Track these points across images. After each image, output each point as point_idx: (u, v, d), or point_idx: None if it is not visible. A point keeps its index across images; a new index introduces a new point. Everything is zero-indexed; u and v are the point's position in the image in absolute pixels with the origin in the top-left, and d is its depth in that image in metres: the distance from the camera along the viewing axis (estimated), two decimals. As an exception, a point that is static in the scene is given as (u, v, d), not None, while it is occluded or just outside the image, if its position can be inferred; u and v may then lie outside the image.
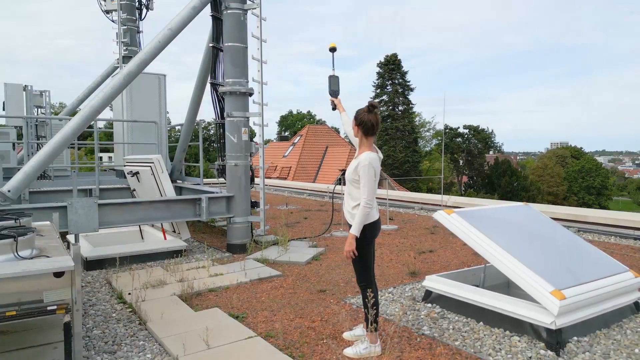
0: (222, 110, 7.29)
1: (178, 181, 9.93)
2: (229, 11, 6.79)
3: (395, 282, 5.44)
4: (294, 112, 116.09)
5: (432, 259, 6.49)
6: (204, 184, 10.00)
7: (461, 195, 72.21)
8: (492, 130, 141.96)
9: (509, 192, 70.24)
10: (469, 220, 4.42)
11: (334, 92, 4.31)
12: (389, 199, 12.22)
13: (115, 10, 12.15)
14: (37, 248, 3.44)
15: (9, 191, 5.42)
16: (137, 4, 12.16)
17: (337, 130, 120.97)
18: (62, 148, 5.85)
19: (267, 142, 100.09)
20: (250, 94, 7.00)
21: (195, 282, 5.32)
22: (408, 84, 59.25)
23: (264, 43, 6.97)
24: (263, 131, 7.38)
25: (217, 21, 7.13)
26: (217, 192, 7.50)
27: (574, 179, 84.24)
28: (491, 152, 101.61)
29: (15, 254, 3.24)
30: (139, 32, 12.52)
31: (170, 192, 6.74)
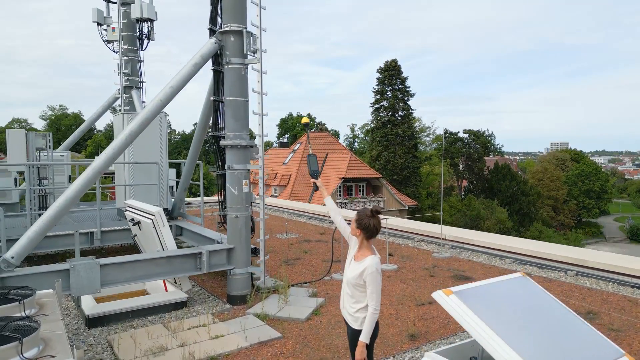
0: (223, 161, 7.36)
1: (179, 218, 9.99)
2: (230, 66, 6.85)
3: (394, 348, 5.50)
4: (294, 114, 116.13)
5: (431, 314, 6.55)
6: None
7: (461, 199, 72.24)
8: (492, 132, 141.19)
9: (509, 196, 70.31)
10: (467, 302, 4.48)
11: (314, 173, 4.27)
12: (388, 228, 12.27)
13: (117, 41, 12.23)
14: (42, 339, 3.47)
15: (12, 257, 5.48)
16: (138, 34, 12.23)
17: (336, 135, 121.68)
18: (65, 211, 5.90)
19: (267, 144, 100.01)
20: (252, 146, 7.07)
21: (196, 348, 5.38)
22: (408, 89, 59.34)
23: (264, 96, 7.02)
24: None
25: (217, 74, 7.19)
26: (217, 241, 7.56)
27: (573, 183, 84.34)
28: (491, 155, 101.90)
29: (21, 356, 3.28)
30: (139, 61, 12.60)
31: (171, 245, 6.80)
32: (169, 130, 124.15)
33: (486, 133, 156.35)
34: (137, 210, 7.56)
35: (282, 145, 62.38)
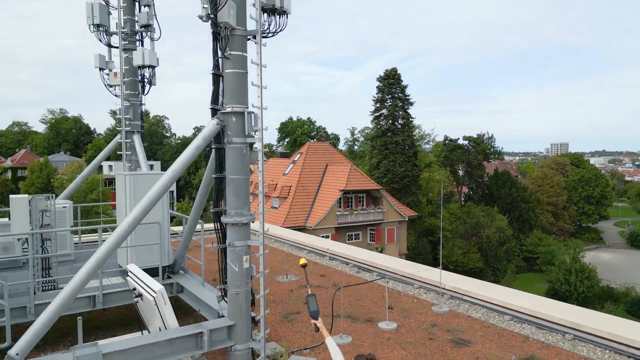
0: (224, 235, 7.43)
1: (181, 272, 10.07)
2: (231, 145, 6.93)
3: None
4: (294, 118, 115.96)
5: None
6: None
7: (461, 206, 72.30)
8: (492, 135, 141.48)
9: (509, 203, 70.45)
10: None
11: (315, 313, 4.37)
12: (386, 271, 12.36)
13: (119, 85, 12.31)
14: None
15: (17, 354, 5.56)
16: (139, 78, 12.31)
17: (336, 139, 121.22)
18: (72, 299, 5.98)
19: (266, 148, 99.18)
20: (252, 222, 7.15)
21: None
22: (408, 97, 59.46)
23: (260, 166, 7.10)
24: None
25: (219, 151, 7.27)
26: (218, 312, 7.64)
27: (573, 189, 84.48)
28: (492, 161, 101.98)
29: None
30: (141, 104, 12.68)
31: (173, 323, 6.88)
32: (169, 134, 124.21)
33: (486, 135, 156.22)
34: (139, 280, 7.64)
35: (283, 155, 62.52)
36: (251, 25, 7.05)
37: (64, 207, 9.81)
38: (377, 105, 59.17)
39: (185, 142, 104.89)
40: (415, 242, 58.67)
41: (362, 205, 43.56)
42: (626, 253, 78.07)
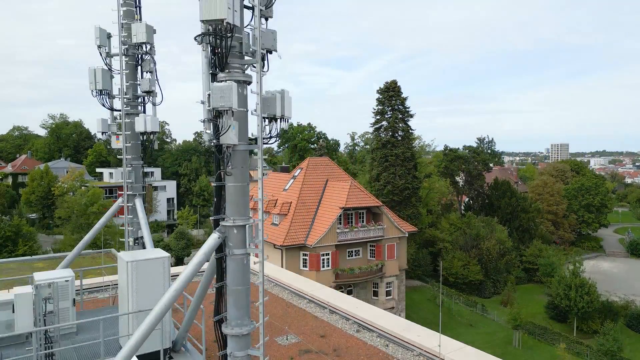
0: (224, 342, 7.50)
1: (182, 350, 10.16)
2: (232, 256, 7.04)
3: None
4: (295, 123, 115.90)
5: None
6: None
7: (461, 215, 72.42)
8: (492, 139, 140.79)
9: (509, 213, 70.57)
10: None
11: None
12: (387, 333, 12.45)
13: (121, 149, 12.42)
14: None
15: None
16: (141, 142, 12.43)
17: (336, 144, 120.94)
18: None
19: (266, 154, 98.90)
20: (251, 332, 7.25)
21: None
22: (407, 110, 59.59)
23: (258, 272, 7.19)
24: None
25: (220, 261, 7.37)
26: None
27: (573, 197, 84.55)
28: (492, 165, 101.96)
29: None
30: (142, 166, 12.79)
31: None
32: (169, 140, 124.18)
33: (486, 139, 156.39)
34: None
35: (283, 169, 62.69)
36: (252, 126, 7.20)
37: (66, 280, 9.89)
38: (378, 117, 59.28)
39: (186, 148, 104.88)
40: (415, 254, 58.84)
41: (362, 220, 43.65)
42: (626, 262, 78.19)
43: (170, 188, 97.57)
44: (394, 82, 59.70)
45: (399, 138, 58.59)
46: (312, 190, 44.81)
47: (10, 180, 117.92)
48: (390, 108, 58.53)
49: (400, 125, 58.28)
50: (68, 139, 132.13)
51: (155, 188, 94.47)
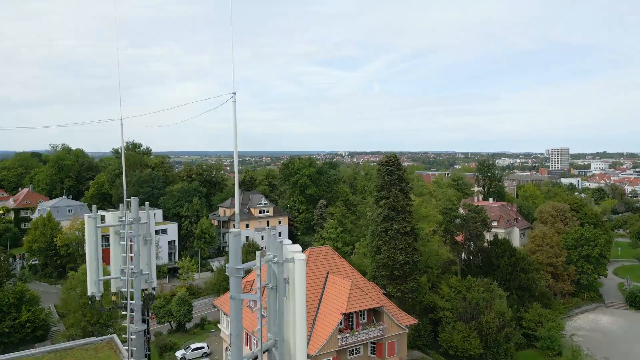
0: None
1: None
2: None
3: None
4: (295, 151, 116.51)
5: None
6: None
7: (461, 276, 72.81)
8: (494, 162, 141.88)
9: (509, 273, 71.00)
10: None
11: None
12: None
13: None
14: None
15: None
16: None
17: (333, 176, 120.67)
18: None
19: (267, 190, 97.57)
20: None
21: None
22: (407, 183, 60.12)
23: None
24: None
25: None
26: None
27: (573, 247, 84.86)
28: (491, 200, 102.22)
29: None
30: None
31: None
32: (170, 173, 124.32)
33: (486, 162, 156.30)
34: None
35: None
36: None
37: None
38: (379, 192, 59.76)
39: (187, 189, 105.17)
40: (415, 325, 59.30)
41: (363, 318, 44.14)
42: (625, 315, 78.64)
43: (172, 230, 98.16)
44: (394, 157, 60.26)
45: (400, 210, 59.03)
46: (313, 284, 45.24)
47: (12, 215, 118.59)
48: (389, 183, 58.96)
49: (400, 199, 58.70)
50: (70, 170, 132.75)
51: (157, 232, 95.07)
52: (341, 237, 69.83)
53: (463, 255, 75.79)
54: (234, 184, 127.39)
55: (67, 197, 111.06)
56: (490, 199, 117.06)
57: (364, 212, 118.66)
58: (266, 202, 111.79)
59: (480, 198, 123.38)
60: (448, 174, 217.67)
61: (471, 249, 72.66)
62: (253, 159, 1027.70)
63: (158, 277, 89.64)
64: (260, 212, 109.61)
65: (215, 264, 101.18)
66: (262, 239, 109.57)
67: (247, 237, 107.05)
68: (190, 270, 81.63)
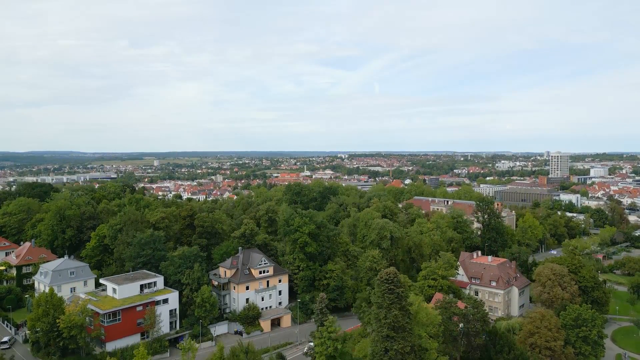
0: None
1: None
2: None
3: None
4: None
5: None
6: None
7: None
8: (494, 197, 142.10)
9: (508, 370, 71.86)
10: None
11: None
12: None
13: None
14: None
15: None
16: None
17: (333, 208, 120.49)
18: None
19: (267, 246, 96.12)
20: None
21: None
22: (406, 298, 60.85)
23: None
24: None
25: None
26: None
27: (570, 328, 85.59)
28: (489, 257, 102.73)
29: None
30: None
31: None
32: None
33: (486, 199, 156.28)
34: None
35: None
36: None
37: None
38: (379, 309, 60.46)
39: (188, 255, 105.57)
40: None
41: None
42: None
43: (173, 299, 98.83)
44: (394, 272, 60.86)
45: (399, 329, 59.77)
46: None
47: (14, 272, 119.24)
48: (389, 301, 59.67)
49: (400, 319, 59.41)
50: (71, 220, 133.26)
51: (158, 302, 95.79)
52: (340, 338, 70.53)
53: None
54: (234, 237, 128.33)
55: (69, 257, 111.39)
56: (489, 258, 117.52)
57: (364, 265, 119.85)
58: (266, 261, 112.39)
59: (480, 254, 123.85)
60: (448, 202, 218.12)
61: (470, 345, 73.38)
62: (252, 161, 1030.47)
63: (158, 353, 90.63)
64: (260, 272, 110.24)
65: (216, 330, 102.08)
66: (262, 300, 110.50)
67: (247, 299, 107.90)
68: (192, 351, 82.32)
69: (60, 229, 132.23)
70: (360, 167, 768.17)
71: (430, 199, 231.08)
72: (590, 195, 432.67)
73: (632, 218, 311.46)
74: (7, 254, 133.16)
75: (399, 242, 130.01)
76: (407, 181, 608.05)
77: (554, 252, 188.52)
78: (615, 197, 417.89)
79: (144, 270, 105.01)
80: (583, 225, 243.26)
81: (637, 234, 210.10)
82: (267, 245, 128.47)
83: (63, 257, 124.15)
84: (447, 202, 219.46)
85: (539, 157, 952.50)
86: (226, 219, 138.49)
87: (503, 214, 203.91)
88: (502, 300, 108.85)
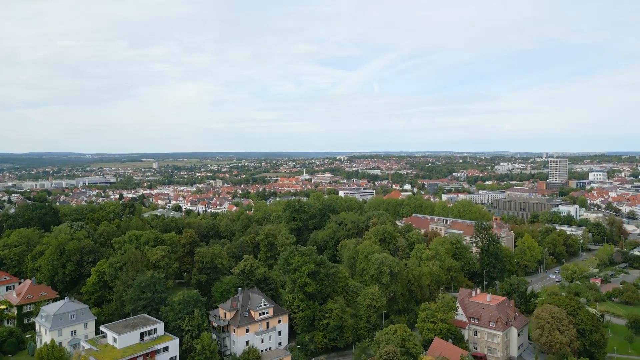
0: None
1: None
2: None
3: None
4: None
5: None
6: None
7: None
8: (490, 226, 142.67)
9: None
10: None
11: None
12: None
13: None
14: None
15: None
16: None
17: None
18: None
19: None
20: None
21: None
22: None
23: None
24: None
25: None
26: None
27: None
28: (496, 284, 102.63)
29: None
30: None
31: None
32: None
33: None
34: None
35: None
36: None
37: None
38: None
39: (188, 299, 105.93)
40: None
41: None
42: None
43: (173, 347, 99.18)
44: (393, 351, 61.30)
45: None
46: None
47: (15, 311, 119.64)
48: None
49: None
50: (71, 254, 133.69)
51: (158, 351, 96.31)
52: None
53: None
54: (234, 273, 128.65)
55: (70, 299, 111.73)
56: (488, 297, 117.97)
57: (364, 302, 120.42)
58: (266, 302, 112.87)
59: (478, 291, 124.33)
60: (447, 221, 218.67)
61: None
62: (252, 163, 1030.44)
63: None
64: (260, 314, 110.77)
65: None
66: (262, 342, 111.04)
67: (247, 342, 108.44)
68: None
69: (60, 264, 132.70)
70: (360, 171, 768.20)
71: (429, 217, 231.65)
72: (589, 202, 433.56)
73: (631, 227, 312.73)
74: (7, 289, 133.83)
75: (398, 276, 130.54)
76: (407, 186, 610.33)
77: (552, 276, 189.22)
78: (614, 205, 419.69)
79: (145, 315, 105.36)
80: (582, 241, 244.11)
81: (635, 253, 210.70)
82: (266, 280, 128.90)
83: (64, 294, 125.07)
84: (446, 220, 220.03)
85: (537, 159, 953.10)
86: (225, 255, 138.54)
87: (502, 233, 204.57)
88: (501, 342, 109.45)
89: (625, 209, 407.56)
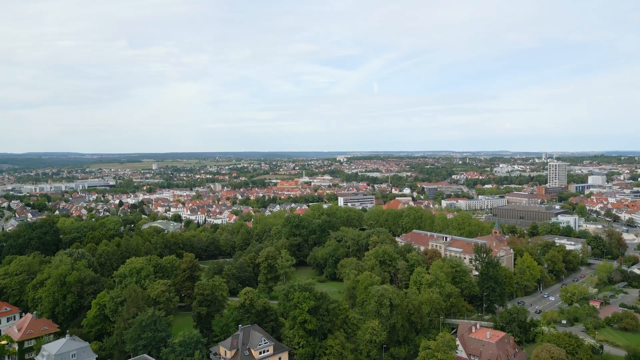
0: None
1: None
2: None
3: None
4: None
5: None
6: None
7: None
8: (489, 248, 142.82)
9: None
10: None
11: None
12: None
13: None
14: None
15: None
16: None
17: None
18: None
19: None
20: None
21: None
22: None
23: None
24: None
25: None
26: None
27: None
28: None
29: None
30: None
31: None
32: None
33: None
34: None
35: None
36: None
37: None
38: None
39: (189, 342, 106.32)
40: None
41: None
42: None
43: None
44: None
45: None
46: None
47: (16, 347, 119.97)
48: None
49: None
50: (72, 286, 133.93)
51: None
52: None
53: None
54: (234, 307, 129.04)
55: (71, 337, 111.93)
56: (488, 333, 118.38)
57: (364, 337, 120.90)
58: (266, 341, 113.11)
59: (478, 326, 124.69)
60: (446, 239, 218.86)
61: None
62: (251, 164, 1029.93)
63: None
64: (260, 352, 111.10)
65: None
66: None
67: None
68: None
69: (61, 295, 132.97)
70: (359, 173, 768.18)
71: (429, 234, 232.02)
72: (588, 209, 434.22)
73: (630, 237, 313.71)
74: (8, 320, 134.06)
75: (398, 307, 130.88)
76: (406, 190, 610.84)
77: (552, 298, 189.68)
78: (613, 212, 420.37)
79: (145, 356, 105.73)
80: (581, 256, 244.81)
81: (634, 271, 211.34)
82: (266, 310, 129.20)
83: (65, 327, 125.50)
84: (446, 238, 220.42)
85: (537, 159, 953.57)
86: (226, 287, 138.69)
87: (501, 252, 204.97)
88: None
89: (624, 216, 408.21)
